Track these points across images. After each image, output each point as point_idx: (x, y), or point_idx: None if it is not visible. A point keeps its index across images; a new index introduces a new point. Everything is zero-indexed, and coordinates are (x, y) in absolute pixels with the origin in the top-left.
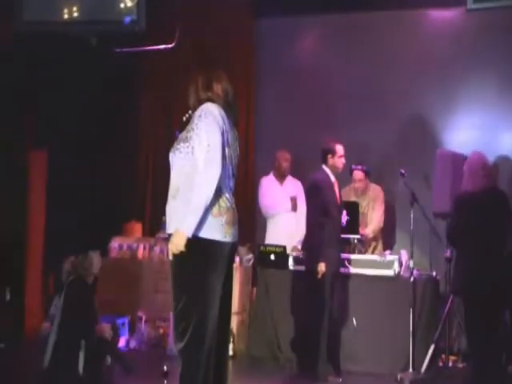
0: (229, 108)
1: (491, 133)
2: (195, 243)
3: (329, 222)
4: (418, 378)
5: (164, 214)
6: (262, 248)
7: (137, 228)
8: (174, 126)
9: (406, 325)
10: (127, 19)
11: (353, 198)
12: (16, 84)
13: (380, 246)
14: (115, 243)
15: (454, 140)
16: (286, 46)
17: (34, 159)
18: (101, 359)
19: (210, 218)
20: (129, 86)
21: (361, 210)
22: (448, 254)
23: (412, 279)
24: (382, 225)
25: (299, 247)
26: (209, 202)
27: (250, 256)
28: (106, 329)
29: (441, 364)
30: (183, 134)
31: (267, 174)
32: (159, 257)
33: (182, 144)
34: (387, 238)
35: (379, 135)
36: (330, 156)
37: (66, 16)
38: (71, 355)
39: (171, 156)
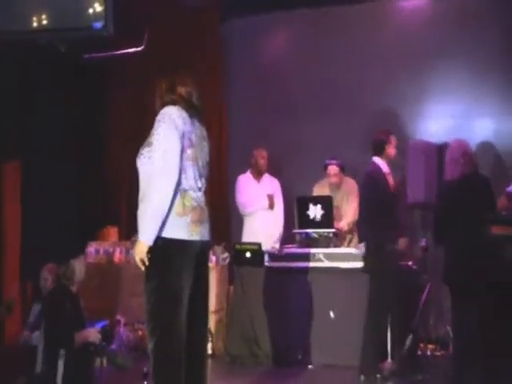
0: (192, 108)
1: (463, 121)
2: (158, 243)
3: (384, 214)
4: (396, 367)
5: None
6: (237, 246)
7: (112, 232)
8: (146, 129)
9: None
10: (96, 24)
11: (327, 193)
12: None
13: (355, 239)
14: (91, 248)
15: (426, 130)
16: (256, 43)
17: (6, 169)
18: (87, 365)
19: (172, 218)
20: (99, 91)
21: (335, 203)
22: (423, 243)
23: None
24: (356, 217)
25: (277, 246)
26: (166, 207)
27: (226, 255)
28: (90, 333)
29: (419, 353)
30: (148, 139)
31: (244, 171)
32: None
33: (146, 148)
34: None
35: (351, 128)
36: (387, 146)
37: (35, 24)
38: (50, 365)
39: (137, 161)
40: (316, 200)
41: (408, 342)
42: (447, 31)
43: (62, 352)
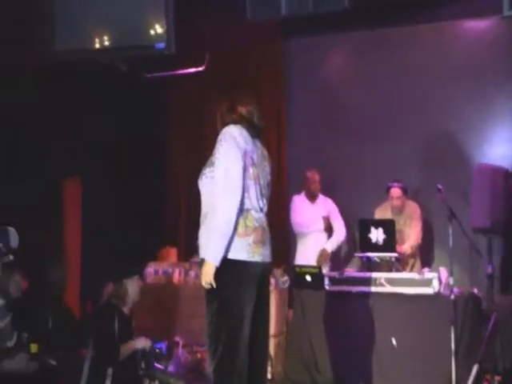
0: (253, 128)
1: None
2: (222, 265)
3: None
4: None
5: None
6: (297, 269)
7: (172, 253)
8: (206, 148)
9: (447, 344)
10: (158, 45)
11: (389, 216)
12: (49, 112)
13: (418, 264)
14: (150, 268)
15: (492, 153)
16: (316, 63)
17: (68, 186)
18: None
19: (235, 239)
20: (159, 111)
21: (398, 227)
22: (489, 270)
23: (452, 297)
24: (419, 241)
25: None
26: (231, 227)
27: (286, 278)
28: (137, 341)
29: None
30: (210, 159)
31: (299, 192)
32: (194, 281)
33: (207, 169)
34: (425, 255)
35: (414, 151)
36: None
37: (97, 45)
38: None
39: (199, 181)
40: (378, 223)
41: (474, 372)
42: None
43: (110, 371)
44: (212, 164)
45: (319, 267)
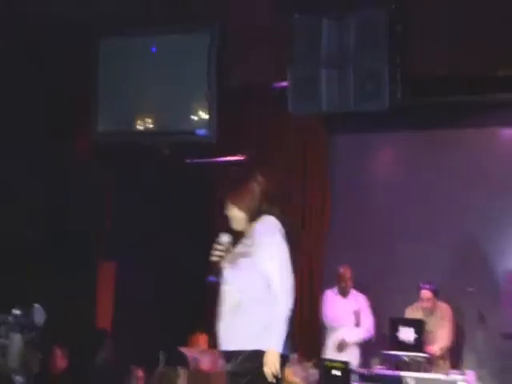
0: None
1: None
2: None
3: None
4: None
5: None
6: (327, 363)
7: (202, 339)
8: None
9: None
10: (200, 131)
11: (420, 316)
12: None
13: (447, 365)
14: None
15: None
16: (358, 161)
17: (102, 270)
18: None
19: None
20: (200, 197)
21: (429, 328)
22: None
23: None
24: (449, 343)
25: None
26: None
27: (315, 371)
28: None
29: None
30: (240, 250)
31: (333, 286)
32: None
33: (241, 259)
34: (454, 357)
35: (448, 253)
36: None
37: (140, 127)
38: None
39: (226, 272)
40: (408, 322)
41: None
42: None
43: None
44: (247, 254)
45: (347, 363)
